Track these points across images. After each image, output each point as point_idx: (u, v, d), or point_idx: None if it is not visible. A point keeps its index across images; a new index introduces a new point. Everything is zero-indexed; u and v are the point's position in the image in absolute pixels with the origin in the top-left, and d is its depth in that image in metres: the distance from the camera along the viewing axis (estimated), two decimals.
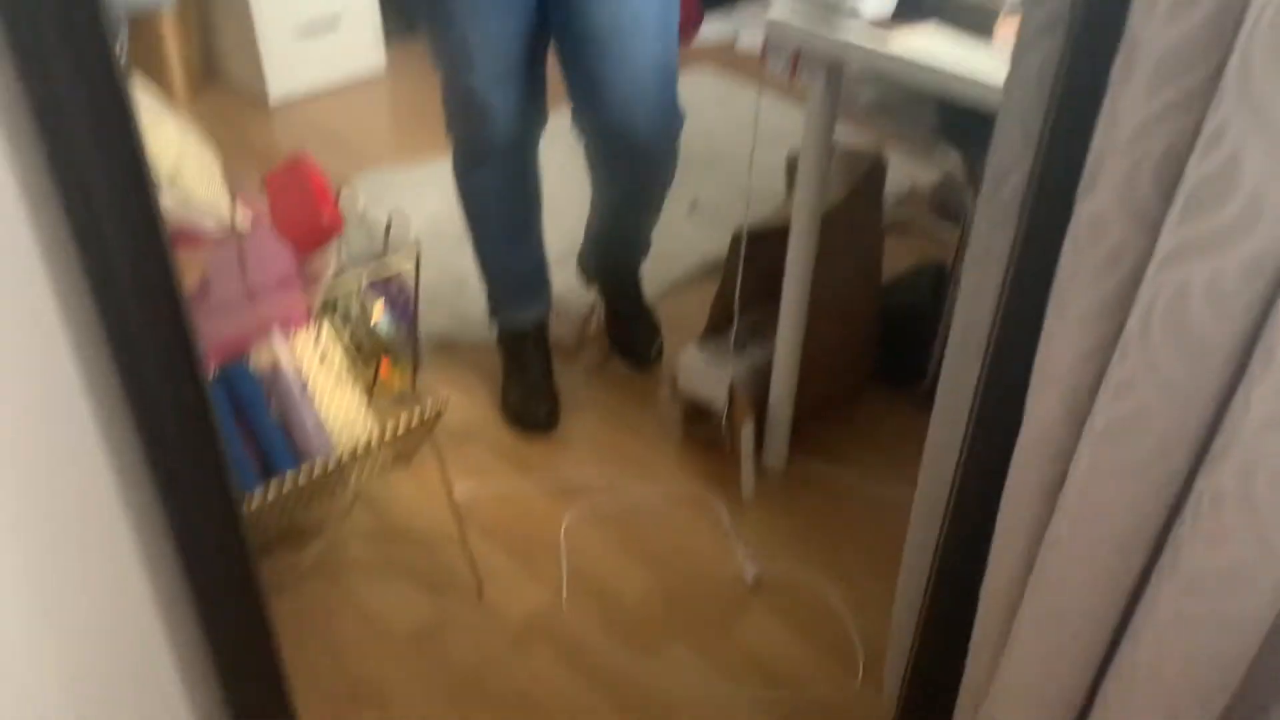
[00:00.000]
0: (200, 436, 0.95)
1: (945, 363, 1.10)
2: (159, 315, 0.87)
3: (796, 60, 1.48)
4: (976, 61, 1.31)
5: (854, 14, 1.39)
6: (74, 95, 0.76)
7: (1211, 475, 0.76)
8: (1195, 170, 0.69)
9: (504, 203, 1.86)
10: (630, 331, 2.12)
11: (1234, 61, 0.66)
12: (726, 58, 3.31)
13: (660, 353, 2.11)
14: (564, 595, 1.62)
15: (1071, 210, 0.81)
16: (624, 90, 1.67)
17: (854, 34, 1.38)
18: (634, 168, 1.81)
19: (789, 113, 2.78)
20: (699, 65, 3.22)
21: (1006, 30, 1.35)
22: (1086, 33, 0.77)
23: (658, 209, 1.96)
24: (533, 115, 1.76)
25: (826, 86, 1.48)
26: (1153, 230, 0.76)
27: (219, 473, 0.99)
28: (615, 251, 2.06)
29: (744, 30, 3.44)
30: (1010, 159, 0.91)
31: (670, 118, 1.76)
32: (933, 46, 1.35)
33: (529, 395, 1.95)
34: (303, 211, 1.31)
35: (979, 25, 1.36)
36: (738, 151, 2.76)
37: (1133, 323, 0.76)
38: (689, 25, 3.39)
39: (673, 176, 1.87)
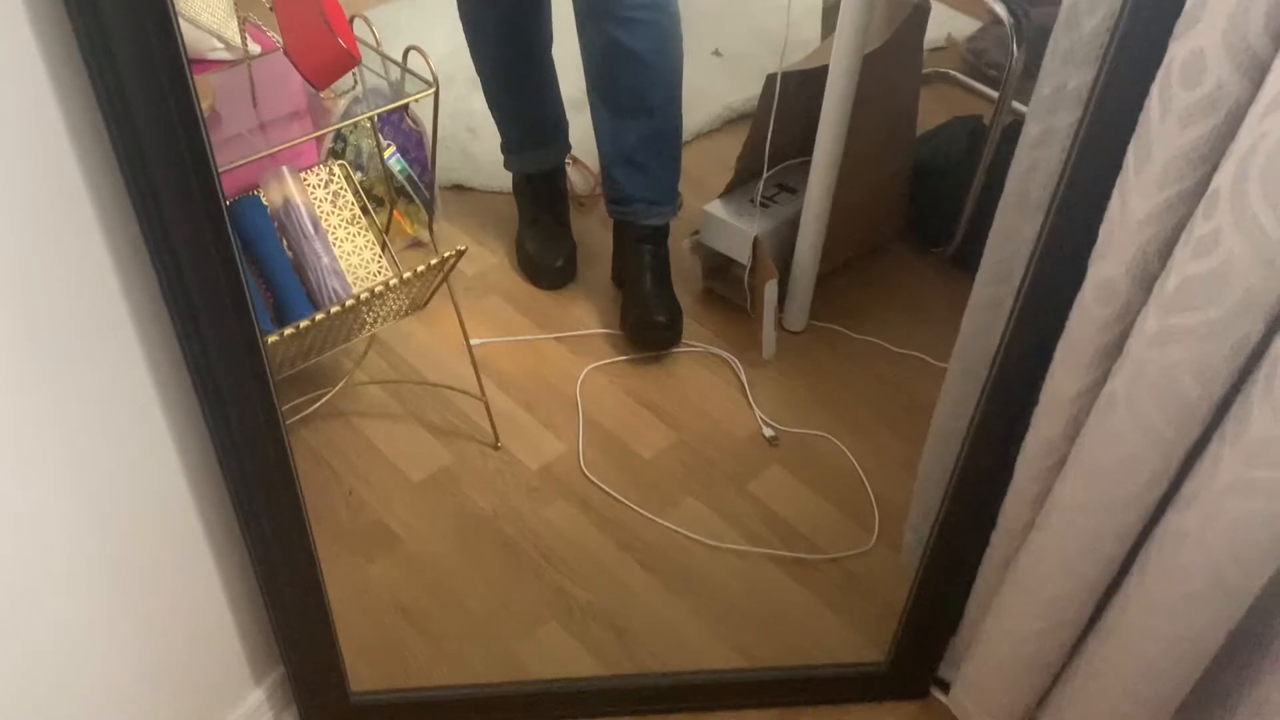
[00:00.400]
0: (220, 263, 0.90)
1: (997, 219, 1.04)
2: (173, 137, 0.82)
3: None
4: None
5: None
6: None
7: None
8: None
9: (513, 37, 1.75)
10: (647, 311, 1.74)
11: None
12: None
13: (675, 339, 1.75)
14: (580, 448, 1.61)
15: (1165, 49, 0.74)
16: None
17: None
18: (616, 38, 1.58)
19: None
20: None
21: None
22: None
23: (664, 123, 1.68)
24: None
25: None
26: (1258, 74, 0.70)
27: (238, 301, 0.95)
28: (629, 194, 1.75)
29: None
30: None
31: None
32: None
33: (544, 246, 1.90)
34: (317, 39, 1.22)
35: None
36: None
37: (1225, 174, 0.71)
38: None
39: (672, 70, 1.65)
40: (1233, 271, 0.72)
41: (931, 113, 2.16)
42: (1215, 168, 0.73)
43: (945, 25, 2.46)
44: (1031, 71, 1.85)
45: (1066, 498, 0.94)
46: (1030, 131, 0.97)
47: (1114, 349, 0.87)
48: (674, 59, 1.66)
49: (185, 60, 0.79)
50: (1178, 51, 0.73)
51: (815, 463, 1.61)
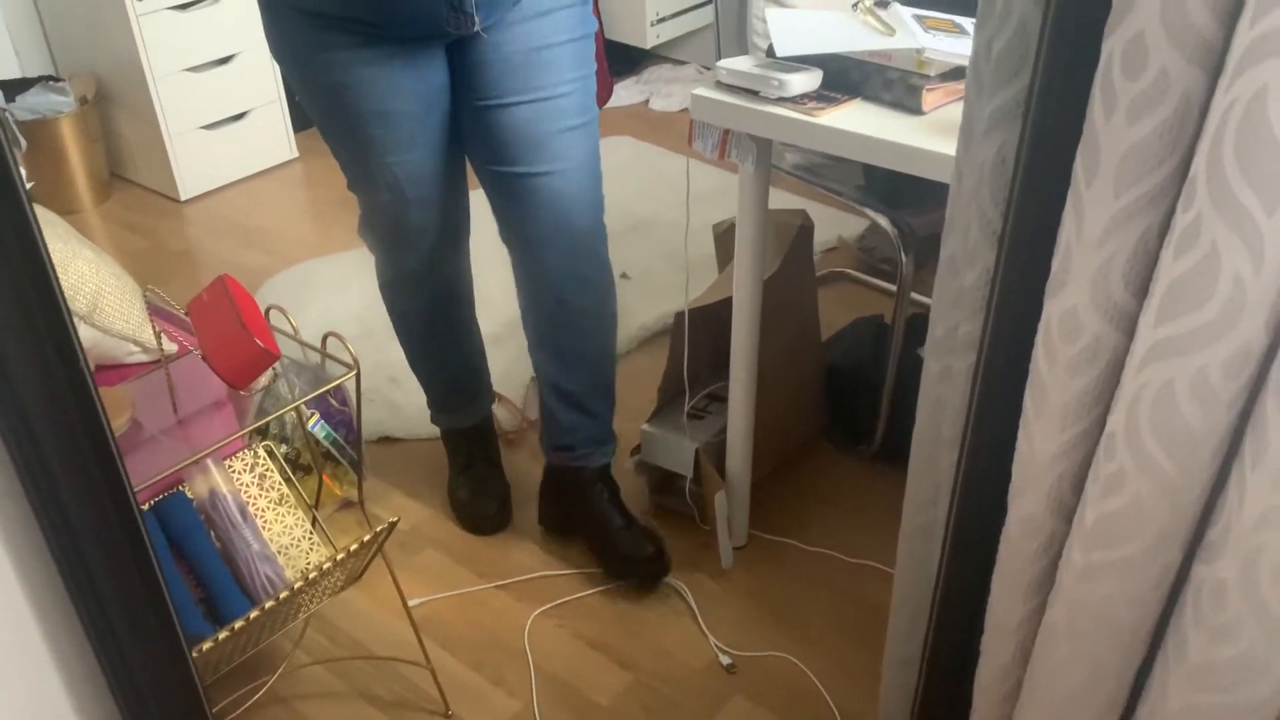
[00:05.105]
0: (142, 592, 0.89)
1: (914, 448, 1.08)
2: (83, 464, 0.81)
3: (725, 141, 1.47)
4: (908, 133, 1.32)
5: (780, 92, 1.38)
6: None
7: (1210, 566, 0.74)
8: (1170, 269, 0.69)
9: (435, 316, 1.77)
10: (633, 546, 1.75)
11: (1200, 161, 0.65)
12: (640, 120, 3.33)
13: (668, 567, 1.74)
14: (535, 704, 1.56)
15: (1041, 305, 0.80)
16: (548, 235, 1.56)
17: (784, 112, 1.37)
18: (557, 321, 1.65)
19: (709, 171, 2.80)
20: (615, 130, 3.22)
21: (934, 98, 1.36)
22: (1046, 127, 0.76)
23: (607, 368, 1.73)
24: (459, 221, 1.68)
25: (757, 165, 1.48)
26: (1128, 327, 0.75)
27: (166, 635, 0.92)
28: (574, 440, 1.75)
29: (655, 94, 3.46)
30: (969, 249, 0.90)
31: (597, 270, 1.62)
32: (862, 121, 1.35)
33: (478, 492, 1.89)
34: (234, 341, 1.24)
35: (904, 98, 1.37)
36: (663, 215, 2.76)
37: (1117, 418, 0.75)
38: (601, 95, 3.39)
39: (613, 323, 1.69)
40: (1143, 510, 0.75)
41: (834, 311, 2.26)
42: (1107, 409, 0.78)
43: (835, 227, 2.61)
44: (922, 262, 1.97)
45: None
46: (931, 369, 1.02)
47: (1047, 577, 0.90)
48: (611, 310, 1.70)
49: (93, 391, 0.79)
50: (1054, 309, 0.78)
51: (777, 687, 1.58)
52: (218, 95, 2.97)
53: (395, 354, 2.05)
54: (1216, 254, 0.65)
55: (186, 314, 1.33)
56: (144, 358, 1.50)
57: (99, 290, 1.43)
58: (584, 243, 1.58)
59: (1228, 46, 0.63)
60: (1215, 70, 0.65)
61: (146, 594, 0.87)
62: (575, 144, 1.51)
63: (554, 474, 1.82)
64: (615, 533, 1.75)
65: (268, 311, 1.40)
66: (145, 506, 1.43)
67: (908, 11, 1.49)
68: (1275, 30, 0.59)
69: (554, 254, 1.57)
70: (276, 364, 1.47)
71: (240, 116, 3.05)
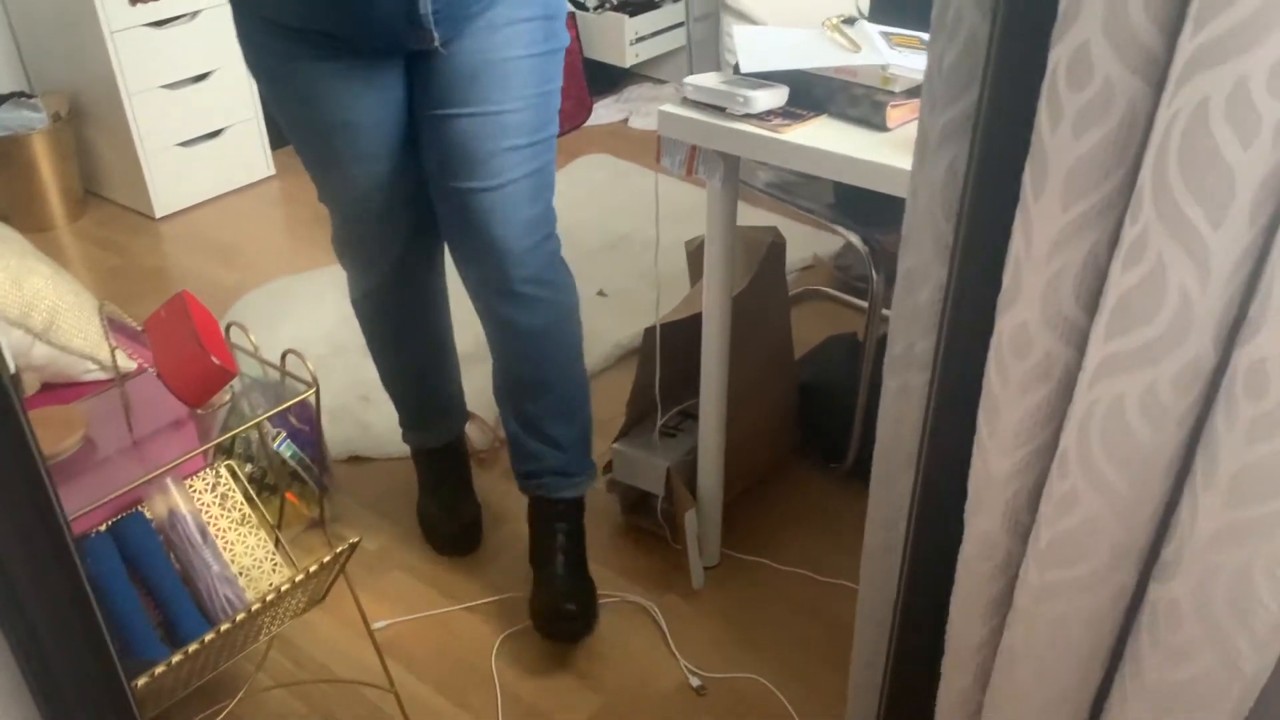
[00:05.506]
0: (76, 623, 0.86)
1: (875, 466, 1.07)
2: (10, 491, 0.79)
3: (692, 157, 1.46)
4: (873, 149, 1.31)
5: (745, 108, 1.37)
6: None
7: (1165, 585, 0.73)
8: (1118, 282, 0.67)
9: (407, 331, 1.74)
10: (556, 598, 1.63)
11: (1146, 174, 0.64)
12: (620, 138, 3.32)
13: (591, 627, 1.66)
14: None
15: (993, 321, 0.79)
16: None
17: (750, 128, 1.36)
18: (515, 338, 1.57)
19: (686, 189, 2.79)
20: (595, 148, 3.22)
21: (899, 114, 1.35)
22: (995, 140, 0.75)
23: (566, 394, 1.63)
24: (429, 235, 1.63)
25: (725, 181, 1.47)
26: (1079, 342, 0.74)
27: (102, 667, 0.90)
28: (537, 467, 1.66)
29: (635, 113, 3.46)
30: (923, 265, 0.89)
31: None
32: (827, 137, 1.34)
33: (448, 512, 1.87)
34: (190, 358, 1.22)
35: (869, 115, 1.36)
36: (641, 233, 2.75)
37: (1070, 436, 0.74)
38: (580, 114, 3.39)
39: (568, 344, 1.61)
40: (1097, 529, 0.74)
41: (809, 329, 2.26)
42: (1060, 426, 0.77)
43: (810, 245, 2.60)
44: (893, 279, 1.97)
45: None
46: (890, 386, 1.00)
47: (1005, 598, 0.88)
48: (568, 333, 1.60)
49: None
50: (1005, 325, 0.77)
51: (747, 709, 1.56)
52: (194, 112, 2.96)
53: (367, 373, 2.03)
54: (1163, 267, 0.64)
55: (143, 330, 1.31)
56: (103, 375, 1.48)
57: (55, 307, 1.41)
58: (522, 260, 1.49)
59: (1171, 57, 0.62)
60: (1159, 81, 0.64)
61: (81, 624, 0.85)
62: (519, 162, 1.44)
63: (530, 507, 1.73)
64: (549, 579, 1.64)
65: (228, 329, 1.38)
66: (102, 527, 1.41)
67: (875, 29, 1.49)
68: (1216, 40, 0.58)
69: (489, 270, 1.50)
70: (235, 382, 1.45)
71: (217, 134, 3.03)
